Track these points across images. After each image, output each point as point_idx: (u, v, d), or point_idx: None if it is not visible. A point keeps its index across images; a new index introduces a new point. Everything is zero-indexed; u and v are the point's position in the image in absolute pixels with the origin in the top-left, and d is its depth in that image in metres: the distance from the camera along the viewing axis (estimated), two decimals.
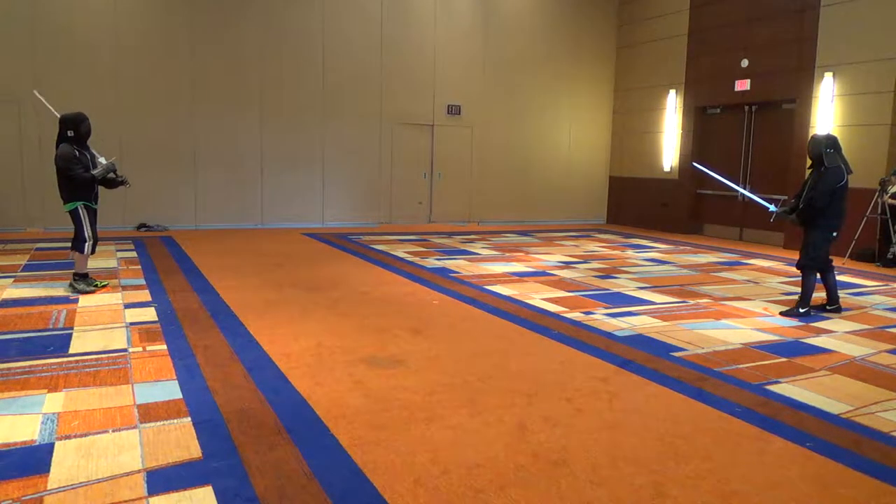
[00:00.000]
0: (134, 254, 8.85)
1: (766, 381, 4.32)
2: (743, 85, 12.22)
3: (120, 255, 8.73)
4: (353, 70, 12.87)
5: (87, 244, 6.31)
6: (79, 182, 6.19)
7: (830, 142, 6.09)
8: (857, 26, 10.35)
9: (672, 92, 13.70)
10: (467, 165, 14.23)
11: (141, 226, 11.50)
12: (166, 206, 11.78)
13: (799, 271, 6.31)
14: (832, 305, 6.39)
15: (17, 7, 10.56)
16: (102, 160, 6.42)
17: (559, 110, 14.90)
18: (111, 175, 6.44)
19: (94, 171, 6.28)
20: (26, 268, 7.62)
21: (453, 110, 13.88)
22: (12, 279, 6.95)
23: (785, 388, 4.18)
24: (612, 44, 15.20)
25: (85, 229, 6.30)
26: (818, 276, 6.28)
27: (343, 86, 12.83)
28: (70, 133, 6.18)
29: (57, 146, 6.24)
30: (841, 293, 7.43)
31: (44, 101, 7.00)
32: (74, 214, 6.28)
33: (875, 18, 10.12)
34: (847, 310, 6.52)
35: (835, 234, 6.13)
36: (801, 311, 6.20)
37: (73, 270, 6.45)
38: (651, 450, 3.25)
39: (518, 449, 3.21)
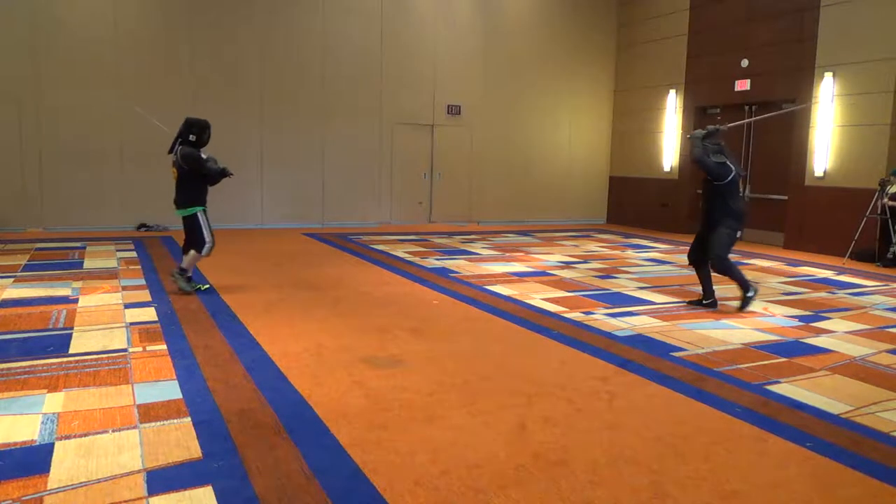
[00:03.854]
0: (134, 254, 8.85)
1: (766, 381, 4.32)
2: (743, 85, 12.21)
3: (120, 255, 8.73)
4: (353, 70, 12.87)
5: (207, 246, 6.32)
6: (209, 178, 6.22)
7: (717, 145, 6.22)
8: (857, 26, 10.35)
9: (672, 92, 13.70)
10: (467, 165, 14.23)
11: (141, 226, 11.50)
12: (166, 206, 11.63)
13: (720, 273, 6.35)
14: (708, 300, 6.45)
15: (18, 7, 10.56)
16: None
17: (559, 110, 14.90)
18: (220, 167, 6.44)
19: (219, 165, 6.30)
20: (26, 268, 7.62)
21: (453, 110, 13.87)
22: (12, 279, 6.95)
23: (785, 388, 4.18)
24: (612, 44, 15.20)
25: (205, 233, 6.31)
26: (695, 269, 6.49)
27: (343, 86, 12.83)
28: (192, 138, 6.18)
29: (174, 147, 6.23)
30: (841, 293, 7.44)
31: (152, 119, 7.01)
32: (194, 220, 6.30)
33: (875, 18, 10.12)
34: (847, 310, 6.53)
35: (739, 233, 6.31)
36: (748, 295, 6.28)
37: (182, 265, 6.39)
38: (651, 450, 3.25)
39: (518, 449, 3.21)
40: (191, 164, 6.16)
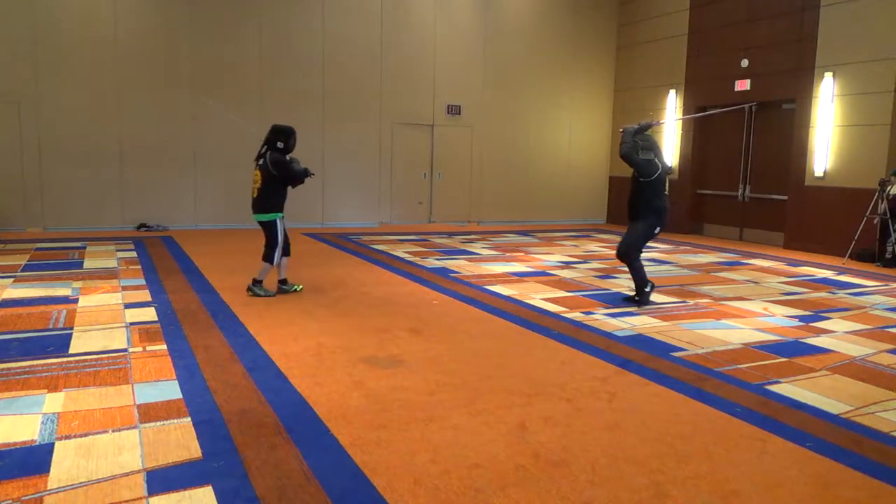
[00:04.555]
0: (134, 254, 8.85)
1: (766, 381, 4.32)
2: (743, 85, 12.21)
3: (120, 255, 8.73)
4: (353, 70, 12.87)
5: (277, 253, 6.42)
6: (294, 180, 6.36)
7: (646, 141, 6.23)
8: (857, 26, 10.35)
9: (672, 92, 13.69)
10: (467, 165, 14.22)
11: (141, 226, 11.50)
12: (166, 206, 11.78)
13: (624, 261, 6.43)
14: (647, 286, 6.53)
15: (18, 7, 10.56)
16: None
17: (559, 110, 14.90)
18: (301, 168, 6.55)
19: (301, 166, 6.44)
20: (26, 268, 7.62)
21: (453, 110, 13.87)
22: (12, 279, 6.94)
23: (785, 388, 4.18)
24: (612, 44, 15.20)
25: (279, 239, 6.43)
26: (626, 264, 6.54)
27: (343, 86, 12.83)
28: (280, 145, 6.31)
29: (261, 155, 6.35)
30: (841, 293, 7.44)
31: (219, 109, 7.05)
32: (272, 225, 6.41)
33: (875, 18, 10.12)
34: (847, 310, 6.53)
35: (657, 230, 6.33)
36: (636, 298, 6.36)
37: (254, 276, 6.50)
38: (651, 450, 3.25)
39: (518, 449, 3.20)
40: (281, 170, 6.28)
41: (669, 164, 6.38)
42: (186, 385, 3.91)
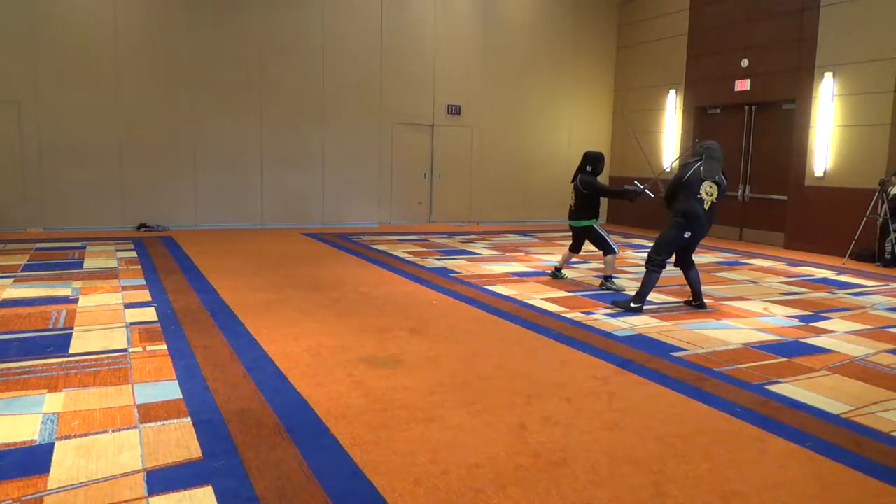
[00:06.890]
0: (134, 254, 8.85)
1: (766, 381, 4.32)
2: (743, 85, 12.21)
3: (120, 255, 8.73)
4: (353, 70, 12.87)
5: (612, 245, 7.34)
6: (602, 195, 7.49)
7: (702, 149, 6.21)
8: (857, 26, 10.35)
9: (672, 92, 13.70)
10: (467, 165, 14.23)
11: (141, 226, 11.50)
12: (166, 206, 11.78)
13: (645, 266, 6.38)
14: (696, 301, 6.46)
15: (18, 7, 10.56)
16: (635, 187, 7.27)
17: (559, 110, 14.90)
18: (628, 187, 7.49)
19: (627, 188, 7.43)
20: (26, 268, 7.62)
21: (453, 110, 13.87)
22: (12, 279, 6.94)
23: (785, 388, 4.18)
24: (612, 44, 15.20)
25: (608, 238, 7.37)
26: (682, 273, 6.52)
27: (343, 86, 12.83)
28: (588, 168, 7.42)
29: (576, 177, 7.47)
30: (841, 293, 7.44)
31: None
32: (590, 230, 7.45)
33: (875, 18, 10.12)
34: (847, 310, 6.53)
35: (687, 234, 6.19)
36: (632, 305, 6.19)
37: (604, 273, 7.38)
38: (651, 450, 3.25)
39: (518, 449, 3.21)
40: (588, 189, 7.34)
41: (719, 177, 6.24)
42: (186, 385, 3.91)
